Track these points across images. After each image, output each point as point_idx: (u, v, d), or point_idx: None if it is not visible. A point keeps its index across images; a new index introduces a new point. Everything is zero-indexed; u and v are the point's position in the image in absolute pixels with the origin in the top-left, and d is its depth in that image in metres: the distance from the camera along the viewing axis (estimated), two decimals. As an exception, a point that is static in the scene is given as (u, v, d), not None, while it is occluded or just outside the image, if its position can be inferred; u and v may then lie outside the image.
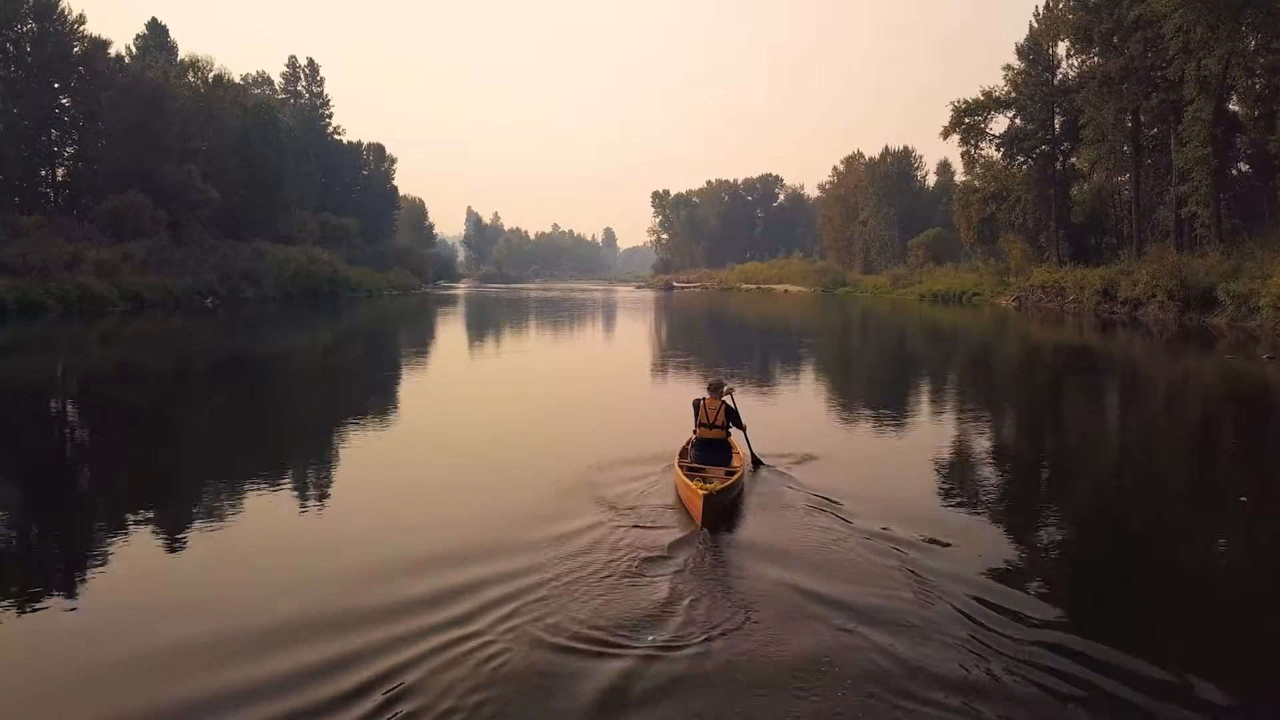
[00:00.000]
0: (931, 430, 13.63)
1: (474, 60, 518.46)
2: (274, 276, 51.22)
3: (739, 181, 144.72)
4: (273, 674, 4.82)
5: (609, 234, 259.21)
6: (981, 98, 54.25)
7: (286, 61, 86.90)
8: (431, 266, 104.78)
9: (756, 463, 9.61)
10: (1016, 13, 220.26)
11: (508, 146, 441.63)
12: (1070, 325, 36.76)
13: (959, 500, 9.20)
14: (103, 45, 51.87)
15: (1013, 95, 53.63)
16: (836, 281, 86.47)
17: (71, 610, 5.92)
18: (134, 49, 62.43)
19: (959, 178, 71.99)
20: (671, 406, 12.54)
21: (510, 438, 12.53)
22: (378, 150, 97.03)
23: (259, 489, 9.26)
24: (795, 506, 8.27)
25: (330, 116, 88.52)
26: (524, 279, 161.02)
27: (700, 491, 7.51)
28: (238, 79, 67.54)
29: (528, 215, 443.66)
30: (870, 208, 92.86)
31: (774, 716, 4.50)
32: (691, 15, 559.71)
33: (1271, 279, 30.39)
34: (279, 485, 9.54)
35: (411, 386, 19.37)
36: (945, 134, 55.51)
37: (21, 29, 48.80)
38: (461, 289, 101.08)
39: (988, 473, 10.90)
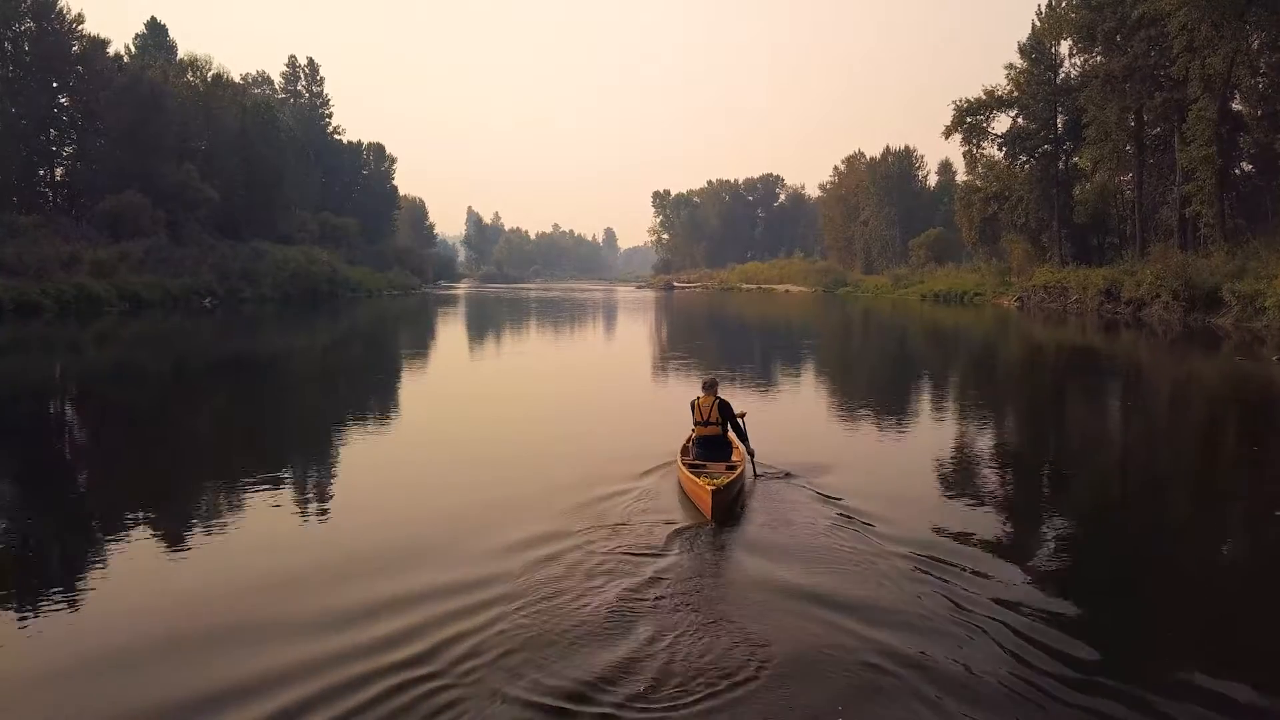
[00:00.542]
0: (934, 430, 13.56)
1: (474, 60, 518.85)
2: (273, 276, 51.02)
3: (740, 181, 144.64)
4: (269, 675, 4.82)
5: (609, 234, 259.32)
6: (984, 97, 54.00)
7: (286, 61, 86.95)
8: (431, 266, 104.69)
9: (750, 454, 9.48)
10: (1018, 12, 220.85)
11: (508, 146, 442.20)
12: (1073, 326, 36.54)
13: (962, 498, 9.17)
14: (101, 44, 51.69)
15: (1015, 94, 53.35)
16: (837, 281, 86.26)
17: (70, 610, 5.90)
18: (133, 48, 62.32)
19: (960, 177, 71.89)
20: (671, 407, 12.44)
21: (510, 437, 12.47)
22: (378, 150, 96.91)
23: (255, 489, 9.17)
24: (798, 501, 8.41)
25: (330, 116, 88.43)
26: (524, 279, 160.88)
27: (708, 487, 7.73)
28: (237, 79, 67.48)
29: (528, 215, 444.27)
30: (871, 207, 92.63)
31: (779, 704, 4.59)
32: (692, 15, 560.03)
33: (1277, 279, 30.17)
34: (275, 486, 9.45)
35: (409, 387, 19.21)
36: (947, 133, 55.26)
37: (20, 28, 48.59)
38: (462, 289, 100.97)
39: (990, 472, 10.84)
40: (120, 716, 4.49)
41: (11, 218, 41.65)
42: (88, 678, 4.90)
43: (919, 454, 11.48)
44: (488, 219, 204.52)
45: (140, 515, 8.32)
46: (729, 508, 7.87)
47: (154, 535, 7.69)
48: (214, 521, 8.07)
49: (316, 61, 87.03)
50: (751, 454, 9.46)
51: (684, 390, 14.88)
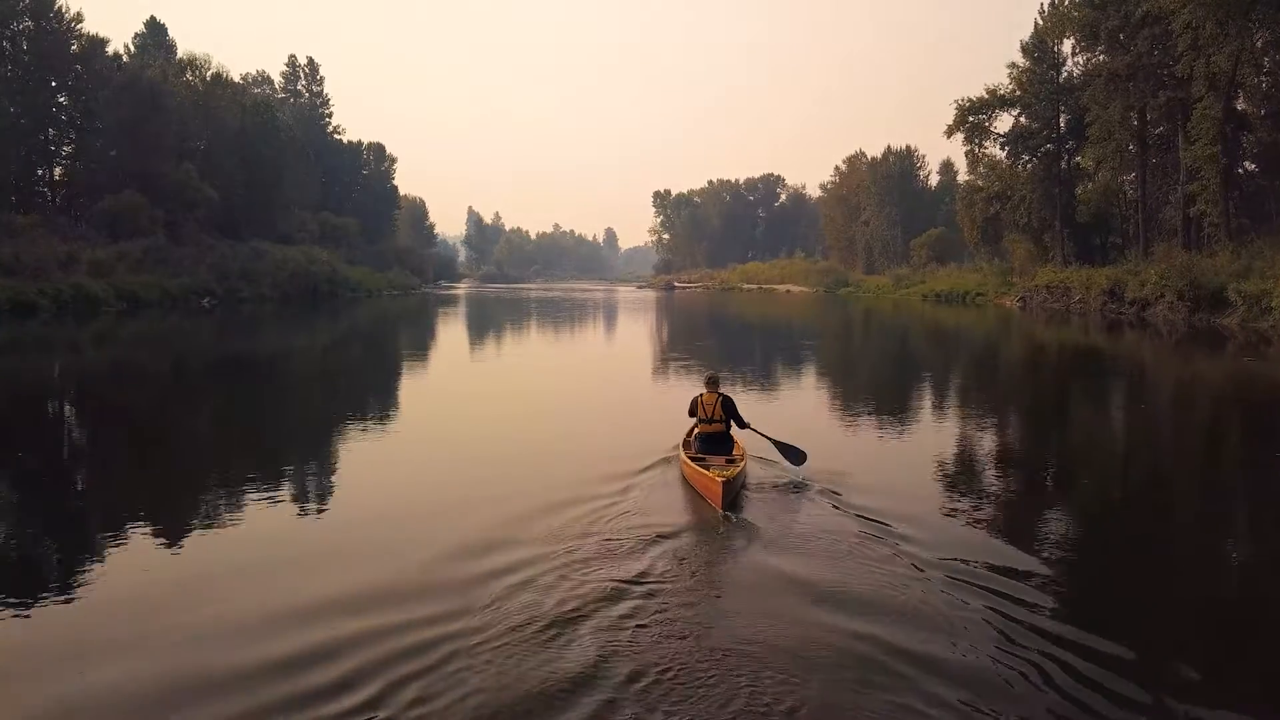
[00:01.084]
0: (936, 428, 13.52)
1: (475, 60, 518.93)
2: (272, 276, 50.78)
3: (740, 181, 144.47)
4: (267, 674, 4.81)
5: (610, 234, 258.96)
6: (986, 96, 53.80)
7: (286, 61, 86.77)
8: (432, 266, 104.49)
9: (793, 451, 9.54)
10: (1021, 11, 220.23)
11: (509, 146, 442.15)
12: (1077, 326, 36.31)
13: (966, 495, 9.17)
14: (100, 43, 51.52)
15: (1017, 93, 53.16)
16: (839, 282, 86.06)
17: (69, 610, 5.88)
18: (132, 48, 62.13)
19: (962, 177, 71.74)
20: (671, 406, 12.31)
21: (508, 436, 12.44)
22: (378, 150, 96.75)
23: (251, 490, 9.09)
24: (798, 494, 8.64)
25: (330, 116, 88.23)
26: (525, 279, 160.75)
27: (719, 478, 7.98)
28: (237, 78, 67.29)
29: (529, 215, 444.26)
30: (872, 207, 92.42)
31: (784, 689, 4.65)
32: (693, 14, 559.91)
33: (1284, 278, 29.96)
34: (271, 486, 9.31)
35: (406, 387, 19.07)
36: (949, 132, 55.07)
37: (18, 26, 48.43)
38: (462, 289, 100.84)
39: (992, 471, 10.72)
40: (118, 715, 4.49)
41: (9, 217, 41.46)
42: (87, 678, 4.87)
43: (923, 451, 11.45)
44: (488, 219, 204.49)
45: (135, 515, 8.23)
46: (736, 498, 8.23)
47: (150, 536, 7.62)
48: (207, 522, 8.04)
49: (316, 61, 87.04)
50: (795, 450, 9.56)
51: (685, 390, 14.71)
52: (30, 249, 36.82)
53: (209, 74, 61.68)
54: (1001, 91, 53.59)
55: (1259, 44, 37.06)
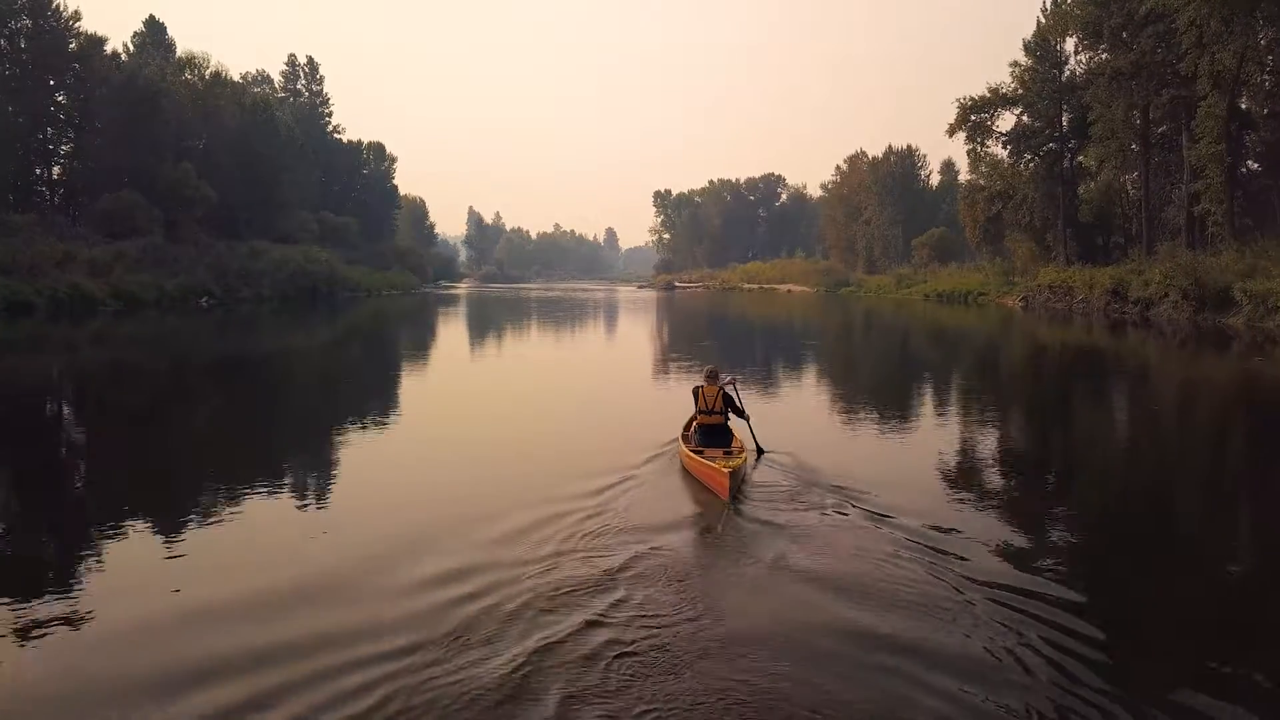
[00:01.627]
0: (940, 427, 13.46)
1: (475, 59, 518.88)
2: (270, 276, 50.56)
3: (741, 181, 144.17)
4: (264, 674, 4.79)
5: (610, 234, 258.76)
6: (988, 95, 53.53)
7: (286, 60, 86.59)
8: (432, 266, 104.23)
9: (760, 451, 9.96)
10: (1022, 10, 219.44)
11: (509, 146, 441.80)
12: (1080, 326, 36.06)
13: (970, 492, 9.22)
14: (99, 42, 51.33)
15: (1020, 92, 52.90)
16: (840, 281, 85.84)
17: (67, 610, 5.82)
18: (131, 46, 61.96)
19: (963, 177, 71.48)
20: (672, 404, 12.14)
21: (511, 434, 12.42)
22: (378, 149, 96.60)
23: (246, 491, 9.01)
24: (797, 488, 8.70)
25: (330, 115, 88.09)
26: (525, 279, 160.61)
27: (725, 469, 8.18)
28: (236, 78, 67.11)
29: (529, 215, 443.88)
30: (873, 207, 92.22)
31: (796, 674, 4.75)
32: (694, 13, 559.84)
33: (1291, 278, 29.68)
34: (267, 487, 9.22)
35: (402, 387, 18.83)
36: (951, 131, 54.80)
37: (16, 25, 48.29)
38: (462, 289, 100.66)
39: (997, 469, 10.66)
40: (116, 715, 4.46)
41: (6, 216, 41.31)
42: (83, 678, 4.85)
43: (921, 448, 11.48)
44: (489, 219, 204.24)
45: (130, 516, 8.17)
46: (740, 488, 8.42)
47: (147, 537, 7.58)
48: (203, 522, 7.93)
49: (316, 60, 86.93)
50: (761, 451, 9.93)
51: (687, 390, 14.49)
52: (27, 248, 36.62)
53: (208, 73, 61.59)
54: (1004, 90, 53.36)
55: (1263, 41, 36.81)
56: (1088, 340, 30.72)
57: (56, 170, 52.39)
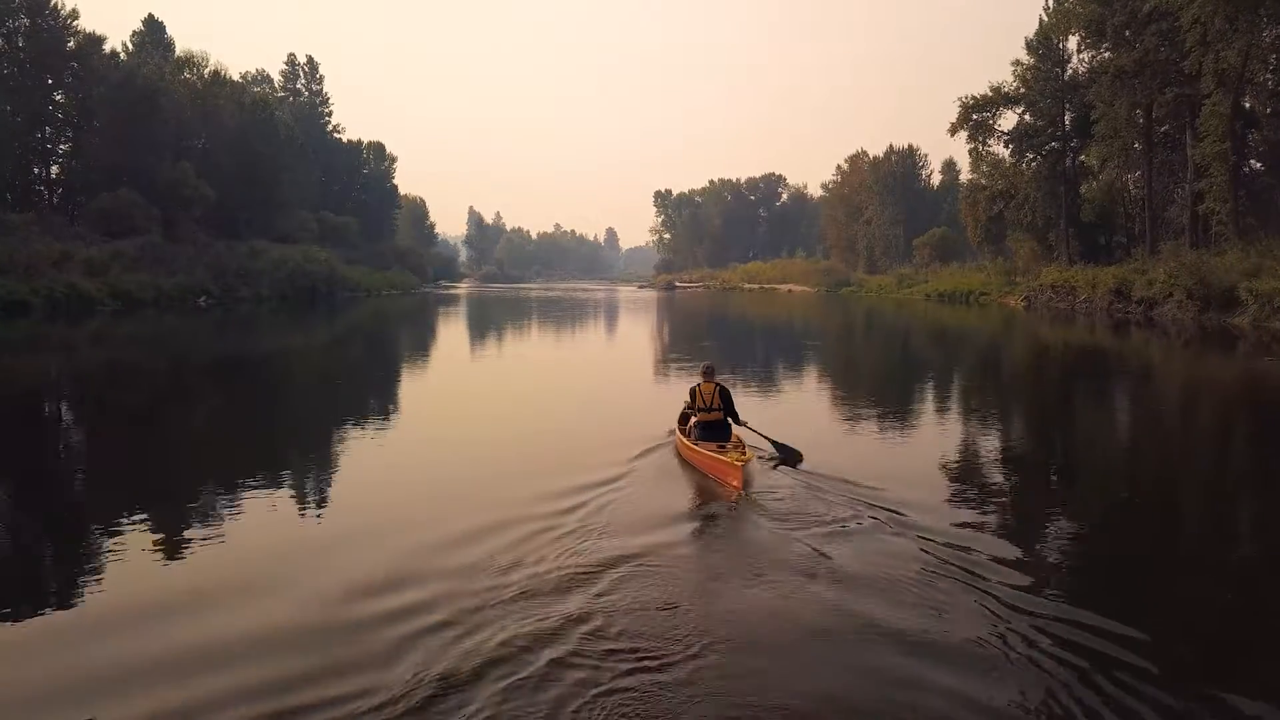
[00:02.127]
0: (938, 427, 13.40)
1: (476, 59, 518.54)
2: (269, 276, 50.32)
3: (742, 181, 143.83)
4: (263, 673, 4.80)
5: (611, 234, 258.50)
6: (990, 93, 53.29)
7: (285, 60, 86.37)
8: (432, 266, 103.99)
9: (788, 451, 9.53)
10: (1024, 8, 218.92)
11: (510, 146, 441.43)
12: (1083, 326, 35.81)
13: (976, 492, 9.20)
14: (97, 41, 51.11)
15: (1022, 91, 52.66)
16: (841, 281, 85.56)
17: (66, 611, 5.84)
18: (130, 45, 61.73)
19: (964, 176, 71.26)
20: (672, 405, 11.98)
21: (510, 436, 12.34)
22: (378, 149, 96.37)
23: (241, 491, 8.98)
24: (801, 485, 8.62)
25: (330, 115, 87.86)
26: (526, 279, 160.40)
27: (737, 463, 8.31)
28: (236, 77, 66.89)
29: (530, 215, 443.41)
30: (874, 207, 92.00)
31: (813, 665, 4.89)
32: (694, 13, 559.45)
33: (1298, 278, 29.41)
34: (261, 488, 9.16)
35: (401, 388, 18.64)
36: (953, 130, 54.57)
37: (14, 24, 48.10)
38: (463, 289, 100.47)
39: (1002, 469, 10.52)
40: (115, 716, 4.45)
41: (3, 216, 41.06)
42: (83, 679, 4.82)
43: (927, 448, 11.46)
44: (489, 218, 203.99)
45: (125, 516, 8.09)
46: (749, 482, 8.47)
47: (143, 538, 7.51)
48: (199, 523, 7.86)
49: (316, 60, 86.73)
50: (790, 451, 9.71)
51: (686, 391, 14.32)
52: (23, 247, 36.38)
53: (207, 72, 61.37)
54: (1006, 89, 53.13)
55: (1268, 39, 36.54)
56: (1093, 340, 30.47)
57: (55, 169, 52.22)
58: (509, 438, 12.04)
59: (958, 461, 10.71)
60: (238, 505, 8.38)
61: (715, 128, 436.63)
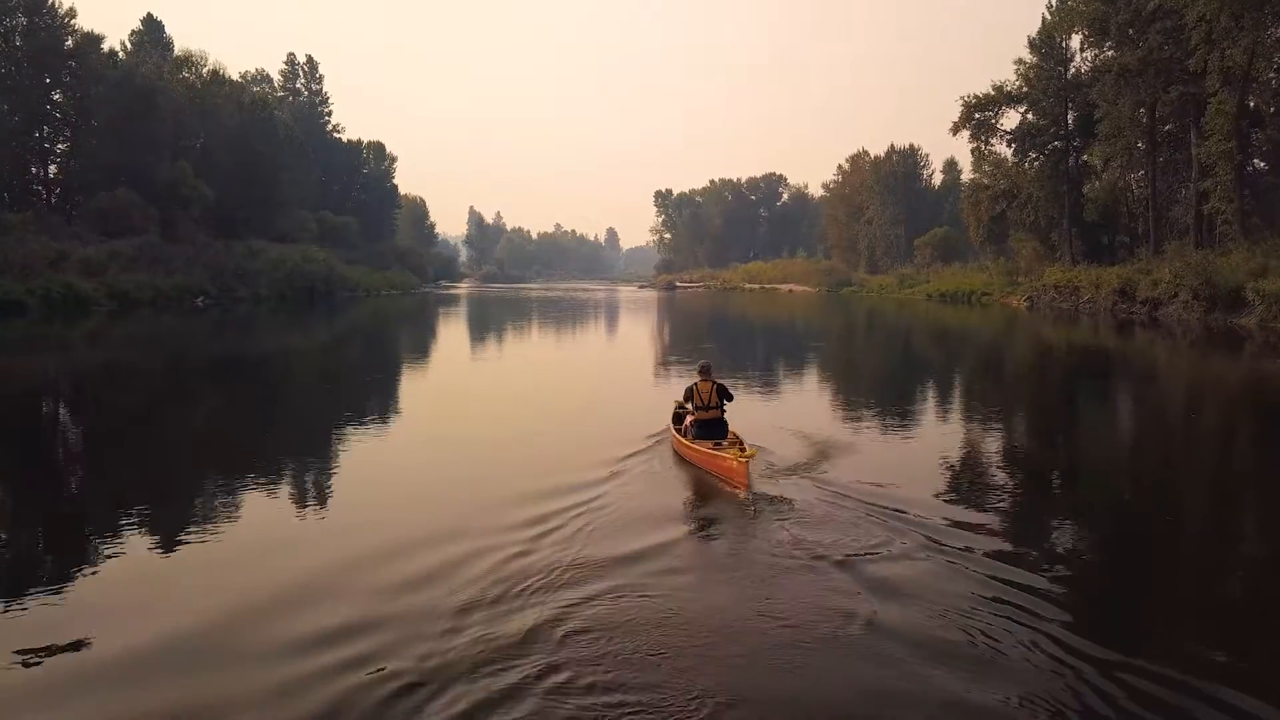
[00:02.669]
0: (944, 429, 13.26)
1: (476, 59, 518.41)
2: (268, 275, 50.07)
3: (742, 180, 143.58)
4: (261, 673, 4.79)
5: (611, 234, 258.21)
6: (992, 92, 52.98)
7: (285, 59, 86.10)
8: (432, 266, 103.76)
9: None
10: (1026, 7, 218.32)
11: (510, 145, 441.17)
12: (1088, 326, 35.52)
13: (986, 493, 9.18)
14: (95, 40, 50.88)
15: (1024, 90, 52.36)
16: (842, 281, 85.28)
17: (65, 612, 5.81)
18: (129, 45, 61.50)
19: (966, 176, 70.99)
20: (667, 405, 11.80)
21: (510, 436, 12.34)
22: (378, 149, 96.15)
23: (236, 493, 8.94)
24: (804, 486, 8.68)
25: (329, 114, 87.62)
26: (526, 279, 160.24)
27: (742, 460, 8.24)
28: (236, 77, 66.68)
29: (530, 215, 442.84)
30: (875, 206, 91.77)
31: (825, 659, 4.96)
32: (695, 12, 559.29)
33: (1304, 278, 29.10)
34: (258, 489, 9.13)
35: (400, 390, 18.39)
36: (955, 129, 54.26)
37: (11, 23, 47.87)
38: (463, 289, 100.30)
39: (1002, 470, 10.51)
40: (114, 716, 4.43)
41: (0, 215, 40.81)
42: (82, 680, 4.81)
43: (928, 449, 11.37)
44: (489, 218, 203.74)
45: (120, 517, 8.04)
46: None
47: (140, 539, 7.49)
48: (195, 525, 7.83)
49: (315, 59, 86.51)
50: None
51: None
52: (19, 247, 36.12)
53: (205, 71, 61.13)
54: (1008, 88, 52.82)
55: (1274, 37, 36.21)
56: (1100, 341, 30.19)
57: (53, 169, 51.98)
58: (507, 438, 12.03)
59: (968, 464, 10.61)
60: (230, 506, 8.37)
61: (715, 127, 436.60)
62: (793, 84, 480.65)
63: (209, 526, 7.67)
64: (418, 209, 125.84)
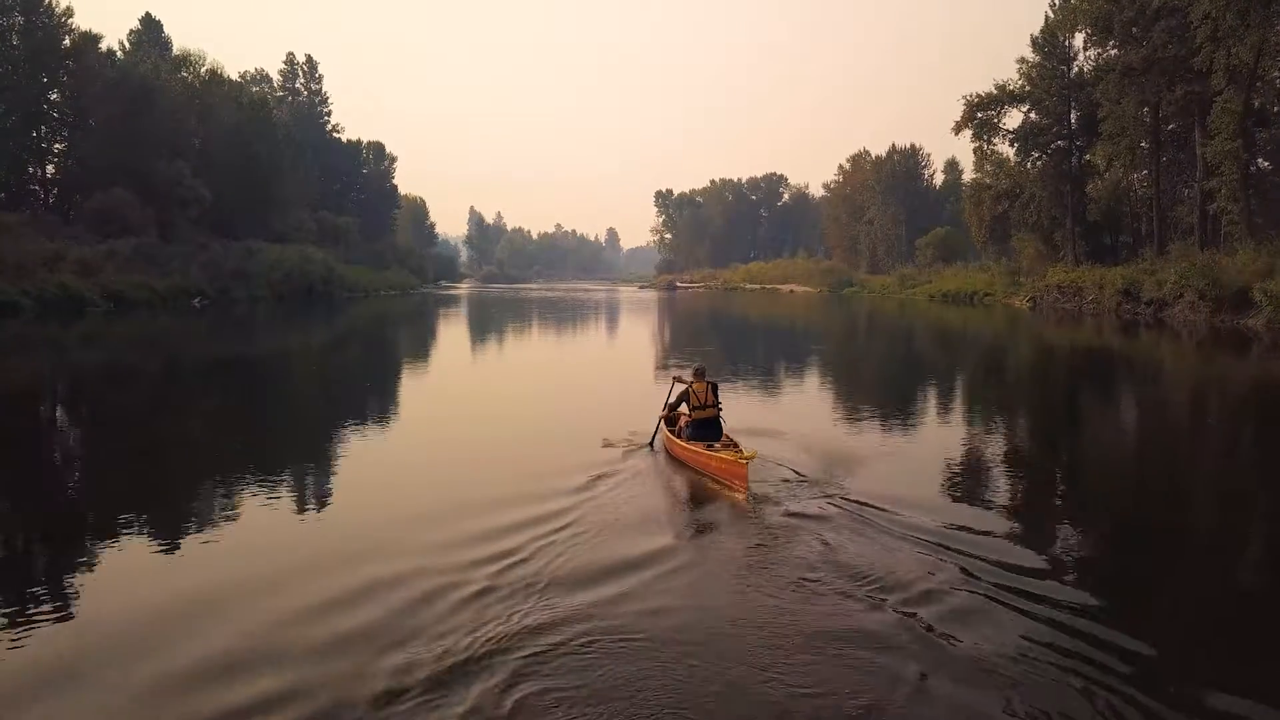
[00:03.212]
0: (949, 431, 13.10)
1: (476, 58, 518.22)
2: (265, 276, 49.77)
3: (743, 180, 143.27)
4: (261, 673, 4.81)
5: (612, 234, 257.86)
6: (995, 92, 52.65)
7: (284, 59, 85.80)
8: (432, 266, 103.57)
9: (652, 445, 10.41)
10: (1028, 6, 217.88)
11: (511, 146, 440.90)
12: (1092, 327, 35.18)
13: (985, 494, 9.17)
14: (93, 40, 50.63)
15: (1027, 89, 52.03)
16: (843, 282, 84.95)
17: (64, 612, 5.80)
18: (127, 44, 61.26)
19: (967, 175, 70.68)
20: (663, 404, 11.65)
21: (509, 436, 12.29)
22: (377, 149, 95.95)
23: (231, 494, 8.96)
24: (805, 486, 8.67)
25: (329, 114, 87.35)
26: (526, 279, 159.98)
27: (742, 461, 8.21)
28: (235, 76, 66.48)
29: (530, 215, 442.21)
30: (876, 206, 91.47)
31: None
32: (696, 13, 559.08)
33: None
34: (251, 490, 9.07)
35: (396, 393, 18.09)
36: (957, 129, 53.93)
37: (8, 21, 47.64)
38: (463, 289, 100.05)
39: (1005, 473, 10.40)
40: (115, 715, 4.46)
41: (-6, 215, 40.50)
42: (81, 680, 4.84)
43: (929, 451, 11.32)
44: (490, 219, 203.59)
45: (116, 518, 8.03)
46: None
47: (137, 539, 7.52)
48: (191, 526, 7.88)
49: (315, 59, 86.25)
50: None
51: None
52: (14, 247, 35.81)
53: (204, 70, 60.86)
54: (1011, 87, 52.48)
55: (1274, 38, 35.87)
56: (1105, 342, 29.85)
57: (50, 169, 51.74)
58: (502, 439, 12.06)
59: (970, 464, 10.61)
60: (222, 507, 8.42)
61: (716, 127, 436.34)
62: (793, 83, 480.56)
63: (196, 526, 7.70)
64: (418, 209, 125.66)
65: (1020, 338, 33.84)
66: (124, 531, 7.61)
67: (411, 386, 19.07)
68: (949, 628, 5.31)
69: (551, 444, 11.49)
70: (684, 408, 10.05)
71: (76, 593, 6.19)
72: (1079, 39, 49.03)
